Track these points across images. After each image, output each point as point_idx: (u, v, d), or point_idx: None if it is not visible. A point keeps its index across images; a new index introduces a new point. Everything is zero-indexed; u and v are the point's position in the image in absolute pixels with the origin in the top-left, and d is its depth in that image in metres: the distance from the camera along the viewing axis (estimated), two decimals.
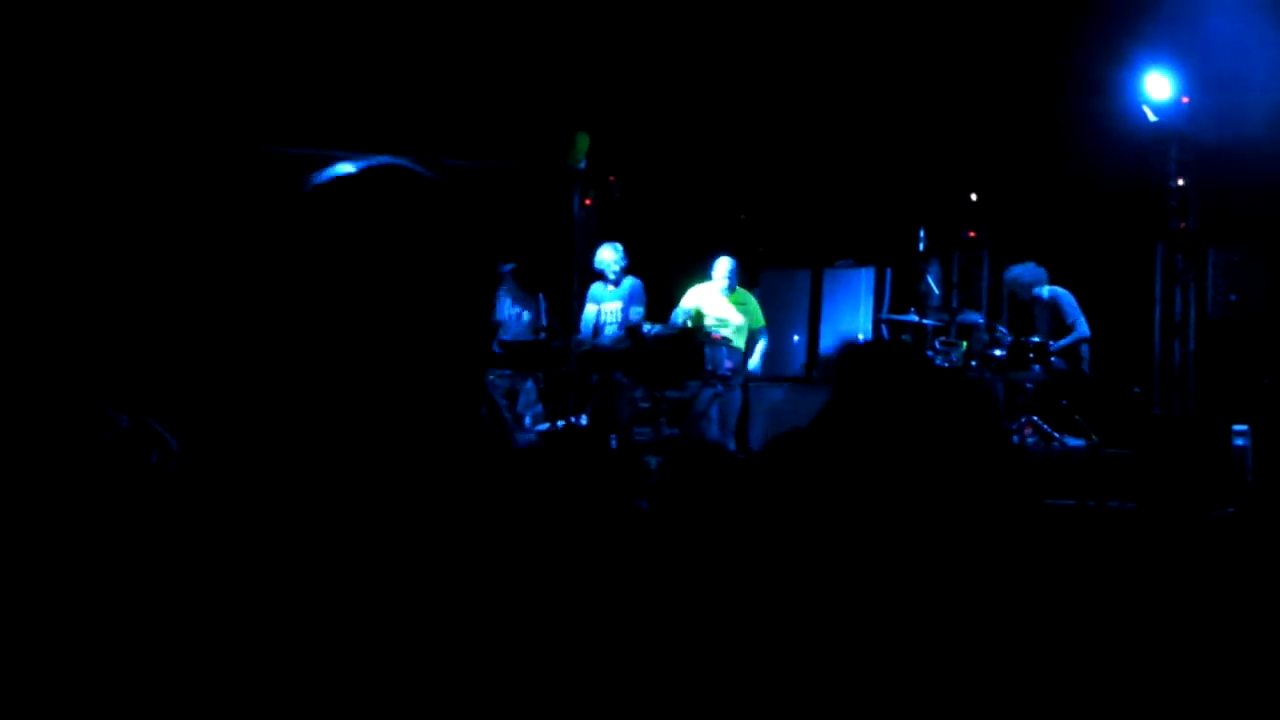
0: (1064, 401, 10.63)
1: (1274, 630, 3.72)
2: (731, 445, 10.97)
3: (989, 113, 12.48)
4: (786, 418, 11.97)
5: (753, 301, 11.81)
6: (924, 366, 3.86)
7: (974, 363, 10.94)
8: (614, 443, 10.96)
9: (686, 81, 12.85)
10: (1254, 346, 10.77)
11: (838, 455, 3.43)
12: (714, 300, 11.53)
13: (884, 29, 12.05)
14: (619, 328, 11.05)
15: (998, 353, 10.84)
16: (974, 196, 13.10)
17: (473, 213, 1.96)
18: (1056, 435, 10.43)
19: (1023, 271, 11.14)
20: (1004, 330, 11.34)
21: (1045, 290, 11.06)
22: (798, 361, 13.38)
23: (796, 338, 13.38)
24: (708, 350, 10.51)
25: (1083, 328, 10.86)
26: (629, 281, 11.28)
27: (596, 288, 11.42)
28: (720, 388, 10.87)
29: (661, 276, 11.88)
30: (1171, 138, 11.85)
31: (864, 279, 13.22)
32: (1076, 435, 10.50)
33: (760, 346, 11.68)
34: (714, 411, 11.03)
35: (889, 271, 13.10)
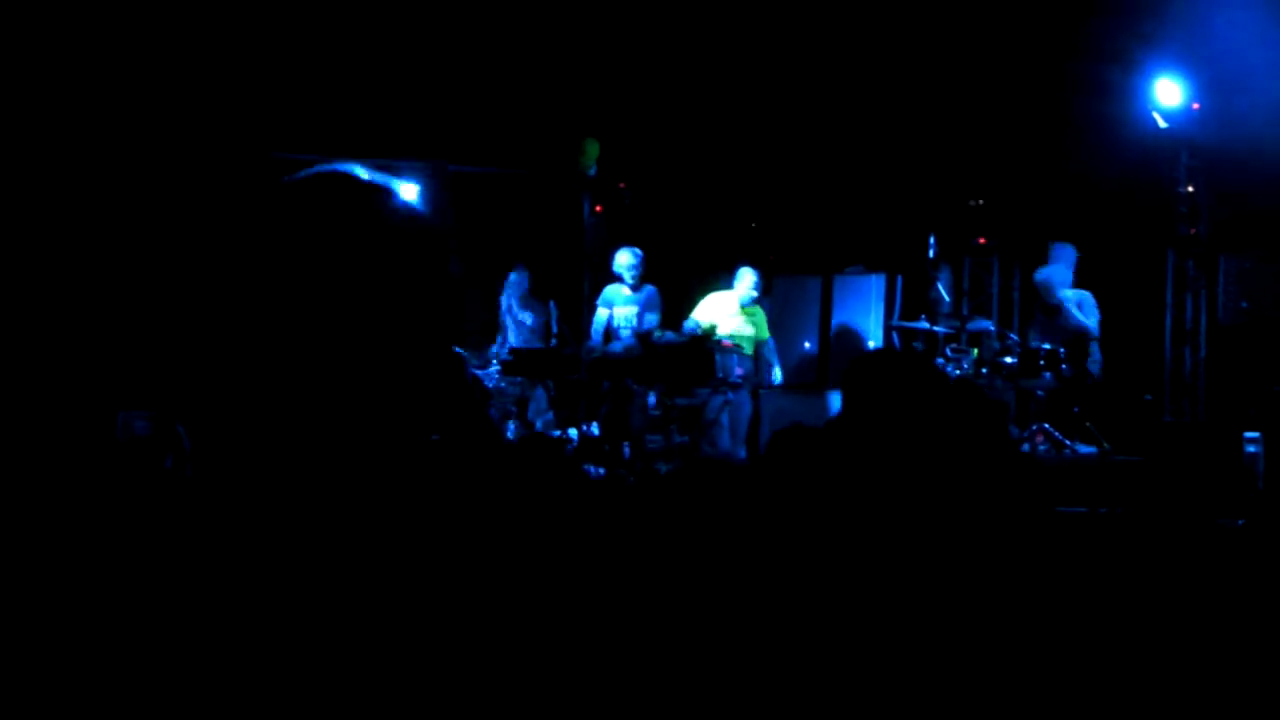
0: (1075, 409, 10.62)
1: None
2: (743, 453, 10.97)
3: (999, 119, 12.47)
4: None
5: (761, 314, 11.84)
6: (932, 375, 3.88)
7: (985, 370, 10.94)
8: (626, 450, 10.98)
9: (697, 89, 12.86)
10: (1265, 353, 10.75)
11: (847, 461, 3.44)
12: (729, 311, 11.54)
13: (895, 36, 12.05)
14: (632, 334, 11.06)
15: (1009, 360, 10.84)
16: (979, 202, 13.07)
17: (415, 217, 1.98)
18: (1068, 442, 10.42)
19: (1050, 275, 11.17)
20: (1015, 337, 11.33)
21: (1070, 293, 11.09)
22: (808, 369, 13.36)
23: (807, 345, 13.37)
24: (718, 358, 10.53)
25: (1092, 325, 10.90)
26: (646, 288, 11.31)
27: (611, 290, 11.43)
28: (731, 395, 10.88)
29: (671, 284, 11.89)
30: (1182, 144, 11.83)
31: (874, 286, 13.21)
32: (1088, 442, 10.49)
33: (774, 360, 11.76)
34: (725, 419, 11.04)
35: (899, 278, 13.09)
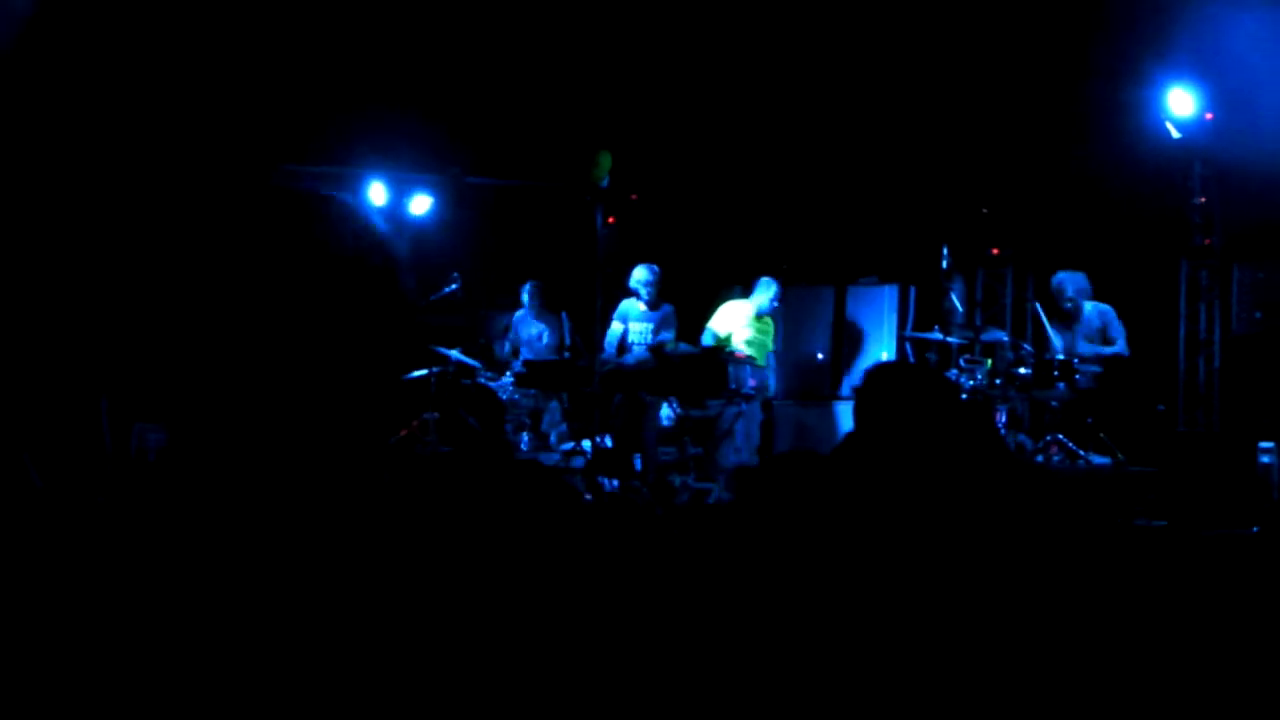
0: (1089, 419, 10.61)
1: None
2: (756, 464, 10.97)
3: (1012, 129, 12.47)
4: (812, 436, 11.98)
5: (772, 325, 11.86)
6: (941, 389, 3.88)
7: (999, 380, 10.93)
8: (638, 462, 11.00)
9: (710, 100, 12.89)
10: (1279, 363, 10.73)
11: (858, 474, 3.45)
12: (746, 320, 11.56)
13: (908, 47, 12.06)
14: (644, 349, 11.07)
15: (1023, 371, 10.84)
16: (985, 210, 13.07)
17: (355, 231, 1.99)
18: (1082, 453, 10.41)
19: (1072, 278, 11.15)
20: (1029, 348, 11.33)
21: (1089, 304, 11.08)
22: (822, 380, 13.36)
23: (820, 356, 13.37)
24: (731, 369, 10.53)
25: (1123, 345, 10.90)
26: (663, 306, 11.33)
27: (627, 305, 11.45)
28: (744, 406, 10.89)
29: (684, 295, 11.91)
30: (1195, 154, 11.82)
31: (888, 296, 13.21)
32: (1102, 453, 10.48)
33: (771, 373, 11.80)
34: (739, 430, 11.05)
35: (913, 289, 13.08)
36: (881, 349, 12.97)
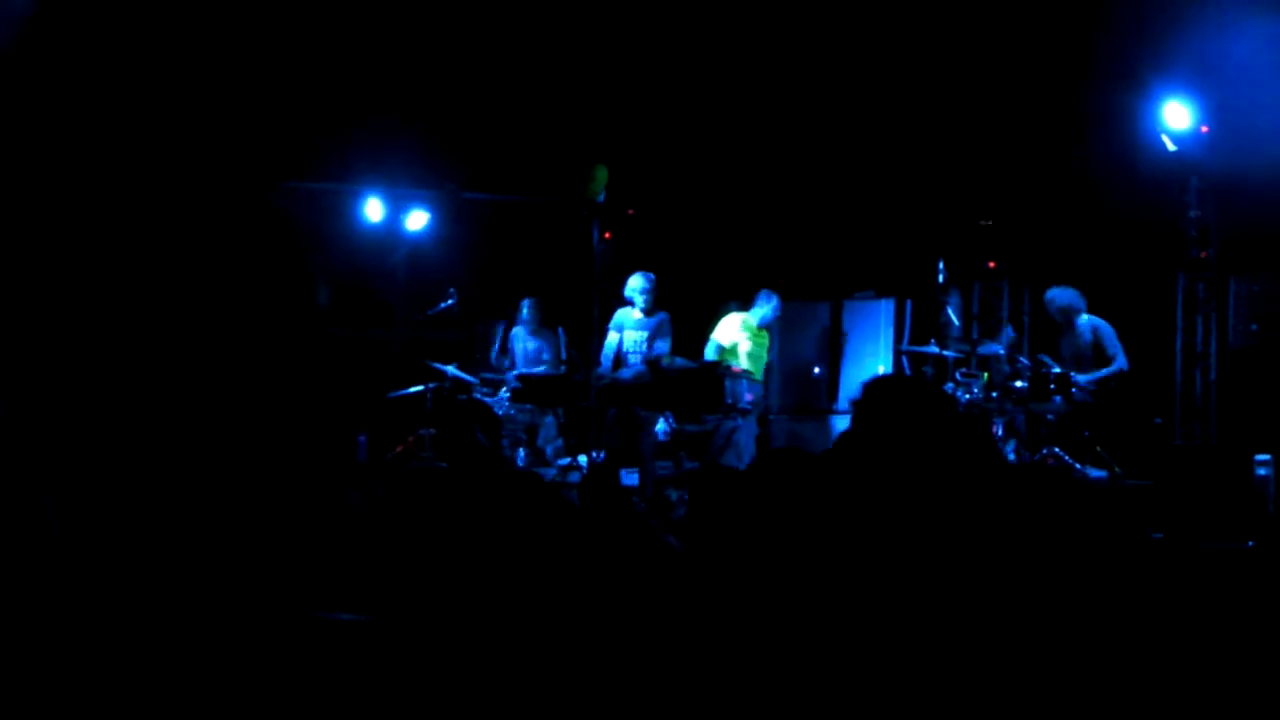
0: (1086, 432, 10.61)
1: None
2: None
3: (1008, 142, 12.48)
4: (807, 450, 11.95)
5: (768, 339, 11.87)
6: (938, 402, 3.87)
7: (995, 394, 10.93)
8: (635, 477, 10.99)
9: (706, 115, 12.90)
10: (1276, 376, 10.71)
11: (850, 483, 3.44)
12: (746, 332, 11.56)
13: (904, 61, 12.07)
14: (641, 360, 11.05)
15: (1019, 384, 10.83)
16: (988, 222, 13.07)
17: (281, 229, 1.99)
18: (1078, 466, 10.40)
19: (1062, 294, 11.18)
20: (1025, 361, 11.32)
21: (1084, 319, 11.09)
22: (818, 393, 13.36)
23: (817, 370, 13.37)
24: (728, 383, 10.52)
25: (1122, 360, 10.90)
26: (658, 314, 11.31)
27: (622, 314, 11.42)
28: (740, 421, 10.88)
29: (680, 309, 11.90)
30: (1191, 167, 11.81)
31: (884, 310, 13.22)
32: (1098, 466, 10.47)
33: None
34: (741, 441, 11.03)
35: (909, 303, 13.09)
36: (878, 363, 12.97)
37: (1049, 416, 10.86)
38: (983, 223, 13.10)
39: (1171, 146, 11.60)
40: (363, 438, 11.65)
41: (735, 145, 13.21)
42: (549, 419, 11.84)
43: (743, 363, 11.34)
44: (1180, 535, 8.49)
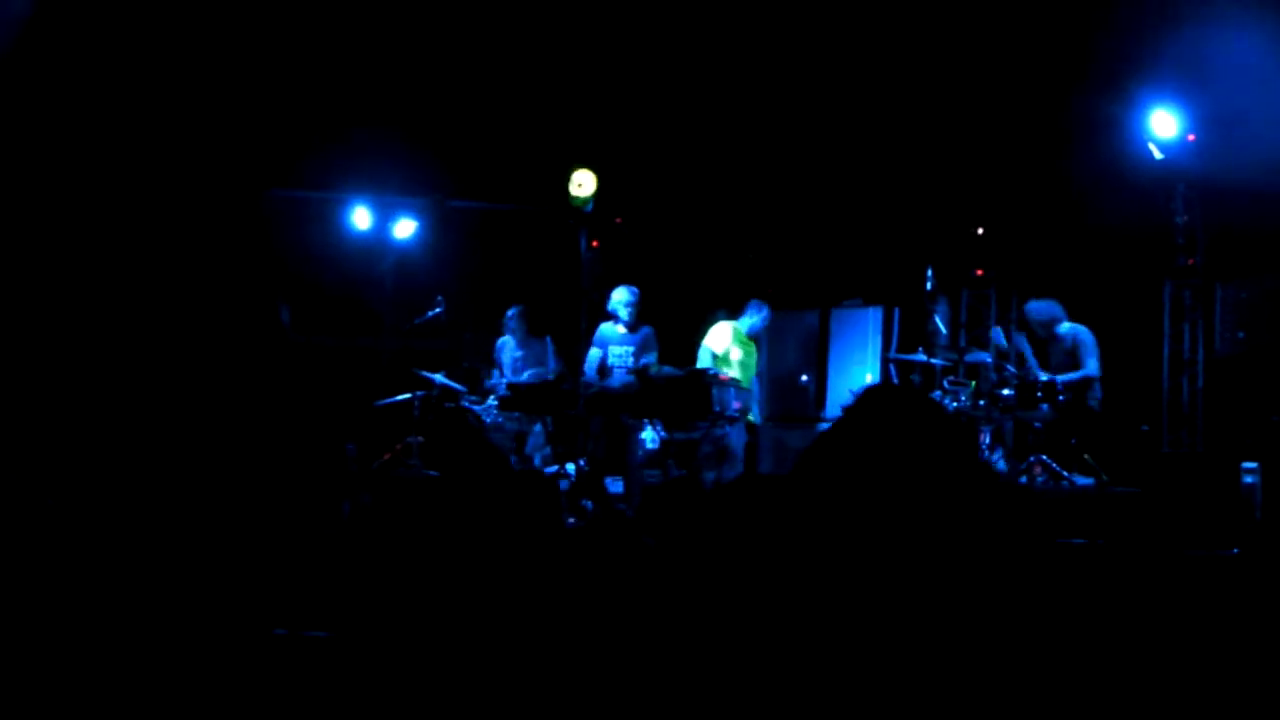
0: (1073, 440, 10.62)
1: None
2: None
3: (995, 151, 12.51)
4: (795, 458, 11.94)
5: (755, 348, 11.86)
6: (927, 410, 3.86)
7: (982, 402, 10.94)
8: (620, 485, 10.97)
9: (694, 123, 12.91)
10: (1263, 383, 10.72)
11: (831, 491, 3.43)
12: (736, 341, 11.55)
13: (891, 70, 12.09)
14: (626, 373, 11.03)
15: (1006, 392, 10.84)
16: (980, 230, 13.10)
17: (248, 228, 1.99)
18: (1065, 474, 10.41)
19: (1039, 307, 11.20)
20: (1011, 369, 11.33)
21: (1065, 326, 11.11)
22: (806, 402, 13.37)
23: (804, 378, 13.38)
24: (715, 391, 10.50)
25: (1092, 368, 10.89)
26: (643, 329, 11.27)
27: (606, 329, 11.37)
28: (728, 429, 10.86)
29: (667, 318, 11.89)
30: (1178, 175, 11.84)
31: (872, 318, 13.24)
32: (1085, 474, 10.48)
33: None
34: (729, 446, 11.02)
35: (897, 311, 13.11)
36: (866, 371, 12.98)
37: (1036, 424, 10.87)
38: (978, 232, 13.12)
39: (1158, 154, 11.63)
40: (351, 446, 11.62)
41: (723, 153, 13.22)
42: (537, 427, 11.81)
43: (734, 371, 11.33)
44: (1167, 542, 8.49)
